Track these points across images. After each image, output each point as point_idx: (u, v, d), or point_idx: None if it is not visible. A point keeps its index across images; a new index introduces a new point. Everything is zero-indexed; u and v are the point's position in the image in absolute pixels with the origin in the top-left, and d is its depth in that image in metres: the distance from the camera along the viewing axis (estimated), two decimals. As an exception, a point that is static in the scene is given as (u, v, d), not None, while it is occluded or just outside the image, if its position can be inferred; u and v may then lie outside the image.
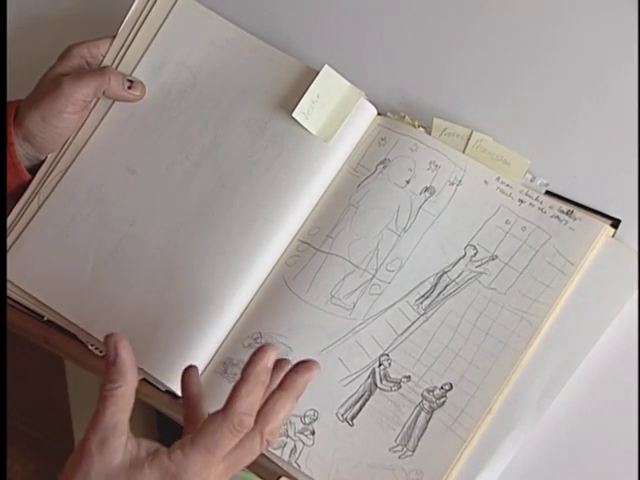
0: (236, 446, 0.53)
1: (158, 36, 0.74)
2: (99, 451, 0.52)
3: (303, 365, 0.57)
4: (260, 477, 0.69)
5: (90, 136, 0.73)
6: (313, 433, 0.65)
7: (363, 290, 0.67)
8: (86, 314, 0.70)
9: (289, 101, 0.70)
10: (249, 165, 0.71)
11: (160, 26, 0.74)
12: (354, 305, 0.67)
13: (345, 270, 0.68)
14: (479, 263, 0.66)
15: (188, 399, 0.59)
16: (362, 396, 0.65)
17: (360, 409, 0.65)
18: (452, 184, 0.68)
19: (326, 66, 0.69)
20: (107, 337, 0.54)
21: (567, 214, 0.66)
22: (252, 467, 0.68)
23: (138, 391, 0.68)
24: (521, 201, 0.67)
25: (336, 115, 0.70)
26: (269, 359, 0.54)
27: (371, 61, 0.75)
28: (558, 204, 0.67)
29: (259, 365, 0.54)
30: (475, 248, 0.67)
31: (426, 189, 0.68)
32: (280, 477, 0.65)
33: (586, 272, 0.64)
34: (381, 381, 0.65)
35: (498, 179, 0.68)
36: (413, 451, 0.63)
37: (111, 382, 0.53)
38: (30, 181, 0.74)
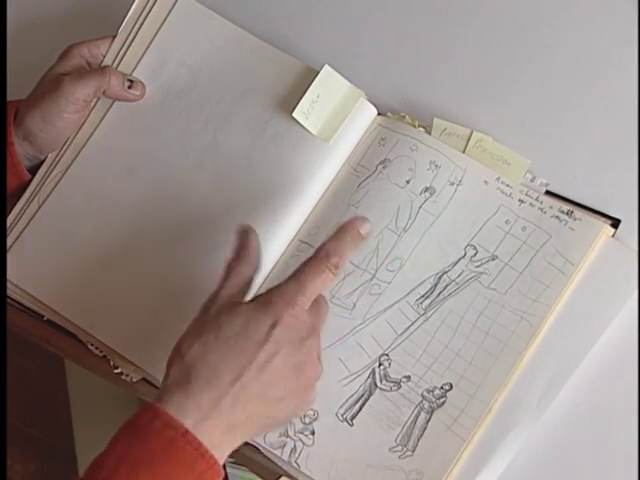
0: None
1: (158, 36, 0.74)
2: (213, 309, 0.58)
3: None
4: (260, 477, 0.69)
5: (90, 136, 0.74)
6: (313, 433, 0.65)
7: (363, 290, 0.67)
8: (86, 314, 0.70)
9: (289, 101, 0.70)
10: (249, 165, 0.71)
11: (160, 26, 0.74)
12: (354, 305, 0.67)
13: (345, 270, 0.68)
14: (479, 263, 0.66)
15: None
16: (362, 396, 0.65)
17: (360, 409, 0.65)
18: (452, 184, 0.68)
19: (326, 66, 0.69)
20: (240, 226, 0.62)
21: (567, 214, 0.66)
22: (252, 467, 0.68)
23: (138, 390, 0.69)
24: (521, 201, 0.67)
25: (336, 115, 0.70)
26: (365, 226, 0.59)
27: (371, 61, 0.75)
28: (558, 204, 0.67)
29: (352, 221, 0.59)
30: (475, 248, 0.67)
31: (426, 189, 0.68)
32: (280, 477, 0.65)
33: (586, 272, 0.64)
34: (381, 381, 0.65)
35: (498, 179, 0.68)
36: (413, 451, 0.63)
37: (237, 260, 0.60)
38: (30, 181, 0.74)
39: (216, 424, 0.53)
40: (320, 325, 0.58)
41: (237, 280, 0.59)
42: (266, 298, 0.57)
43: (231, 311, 0.56)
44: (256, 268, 0.61)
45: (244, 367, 0.54)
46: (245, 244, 0.61)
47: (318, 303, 0.59)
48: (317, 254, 0.58)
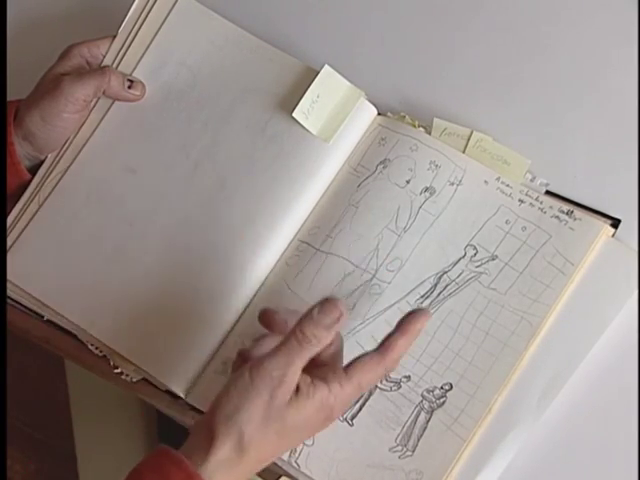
0: None
1: (158, 36, 0.74)
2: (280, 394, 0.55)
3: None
4: (260, 477, 0.69)
5: (90, 136, 0.74)
6: (313, 433, 0.65)
7: (363, 290, 0.67)
8: (86, 314, 0.70)
9: (289, 101, 0.70)
10: (249, 165, 0.71)
11: (160, 26, 0.74)
12: (354, 305, 0.67)
13: (345, 270, 0.68)
14: (479, 263, 0.66)
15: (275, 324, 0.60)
16: (362, 396, 0.65)
17: (360, 409, 0.65)
18: (452, 184, 0.68)
19: (326, 66, 0.69)
20: (331, 302, 0.55)
21: (567, 214, 0.66)
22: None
23: (138, 390, 0.69)
24: (521, 201, 0.67)
25: (336, 115, 0.70)
26: (425, 320, 0.57)
27: (371, 61, 0.75)
28: (558, 204, 0.67)
29: (419, 324, 0.57)
30: (475, 248, 0.67)
31: (426, 189, 0.68)
32: (280, 477, 0.65)
33: (586, 272, 0.64)
34: (381, 381, 0.65)
35: (498, 179, 0.68)
36: (413, 451, 0.63)
37: (317, 340, 0.55)
38: (30, 181, 0.74)
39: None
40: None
41: (307, 359, 0.56)
42: (330, 402, 0.56)
43: (299, 407, 0.55)
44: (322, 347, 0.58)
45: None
46: (332, 323, 0.56)
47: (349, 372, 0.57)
48: (386, 358, 0.56)
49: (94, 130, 0.73)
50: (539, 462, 0.63)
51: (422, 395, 0.64)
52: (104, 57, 0.74)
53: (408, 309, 0.66)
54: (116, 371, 0.70)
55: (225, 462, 0.54)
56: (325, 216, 0.70)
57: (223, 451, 0.54)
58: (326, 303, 0.55)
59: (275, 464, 0.65)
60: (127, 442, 0.90)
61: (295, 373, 0.55)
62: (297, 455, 0.65)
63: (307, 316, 0.55)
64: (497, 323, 0.64)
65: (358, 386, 0.56)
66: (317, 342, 0.55)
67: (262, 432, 0.54)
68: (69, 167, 0.73)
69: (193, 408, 0.67)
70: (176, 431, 0.69)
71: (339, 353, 0.60)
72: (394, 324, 0.65)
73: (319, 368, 0.57)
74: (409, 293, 0.66)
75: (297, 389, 0.55)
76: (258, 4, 0.79)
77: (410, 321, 0.57)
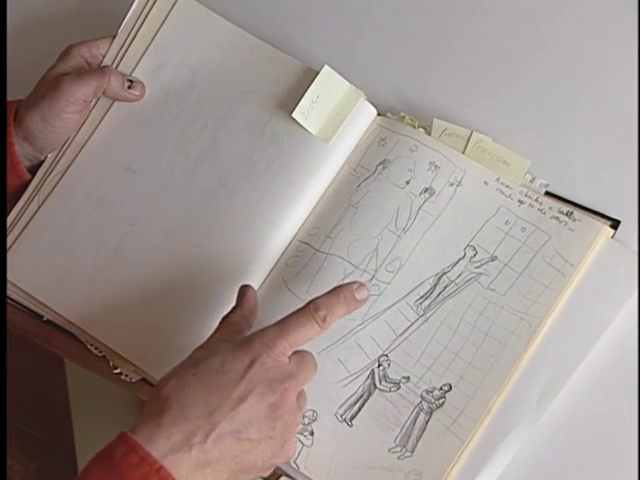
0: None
1: (158, 36, 0.74)
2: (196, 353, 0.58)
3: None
4: (260, 476, 0.69)
5: (90, 136, 0.74)
6: (312, 434, 0.65)
7: (363, 291, 0.67)
8: (86, 314, 0.70)
9: (289, 101, 0.70)
10: (249, 165, 0.71)
11: (160, 26, 0.74)
12: (353, 305, 0.67)
13: (345, 270, 0.68)
14: (479, 264, 0.66)
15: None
16: (361, 397, 0.65)
17: (359, 410, 0.65)
18: (452, 185, 0.68)
19: (326, 66, 0.69)
20: (240, 286, 0.64)
21: (567, 215, 0.66)
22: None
23: (137, 390, 0.69)
24: (521, 202, 0.67)
25: (336, 115, 0.70)
26: (362, 292, 0.61)
27: (371, 61, 0.75)
28: (558, 205, 0.66)
29: (348, 285, 0.60)
30: (475, 249, 0.67)
31: (426, 190, 0.68)
32: (280, 477, 0.65)
33: (585, 273, 0.64)
34: (380, 382, 0.65)
35: (498, 180, 0.68)
36: (412, 452, 0.63)
37: (230, 312, 0.62)
38: (30, 181, 0.74)
39: (186, 458, 0.52)
40: (303, 375, 0.58)
41: (226, 329, 0.60)
42: (247, 338, 0.57)
43: (211, 349, 0.57)
44: (249, 322, 0.61)
45: (217, 403, 0.54)
46: (241, 300, 0.63)
47: (303, 355, 0.59)
48: (307, 305, 0.59)
49: (94, 130, 0.74)
50: (538, 463, 0.64)
51: (421, 396, 0.64)
52: (104, 57, 0.74)
53: (408, 310, 0.66)
54: (115, 371, 0.70)
55: (152, 419, 0.53)
56: (325, 217, 0.70)
57: (147, 407, 0.55)
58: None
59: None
60: (127, 442, 0.90)
61: (214, 339, 0.59)
62: (296, 455, 0.65)
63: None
64: (496, 324, 0.64)
65: (280, 325, 0.57)
66: (229, 314, 0.61)
67: (176, 378, 0.55)
68: (69, 167, 0.73)
69: (192, 408, 0.67)
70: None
71: None
72: (394, 325, 0.66)
73: None
74: (408, 294, 0.66)
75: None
76: (258, 4, 0.79)
77: (341, 284, 0.60)
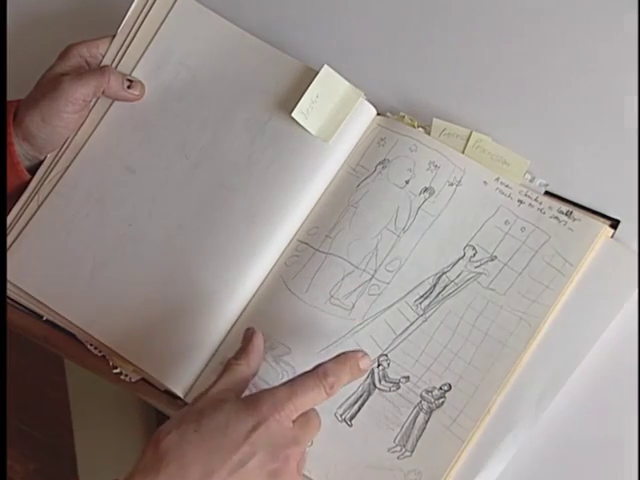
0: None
1: (157, 36, 0.74)
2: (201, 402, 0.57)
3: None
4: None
5: (89, 136, 0.74)
6: (312, 433, 0.65)
7: (362, 290, 0.67)
8: (85, 314, 0.70)
9: (288, 101, 0.70)
10: (248, 165, 0.71)
11: (160, 26, 0.74)
12: (353, 305, 0.67)
13: (344, 270, 0.68)
14: (478, 264, 0.66)
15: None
16: (361, 396, 0.65)
17: (359, 409, 0.65)
18: (451, 184, 0.68)
19: (325, 66, 0.69)
20: (247, 329, 0.63)
21: (566, 215, 0.66)
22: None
23: (137, 390, 0.69)
24: (520, 202, 0.67)
25: (335, 115, 0.70)
26: (365, 362, 0.59)
27: (371, 61, 0.75)
28: (557, 205, 0.66)
29: (355, 352, 0.59)
30: (474, 249, 0.67)
31: (425, 189, 0.68)
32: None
33: (585, 273, 0.64)
34: (380, 381, 0.65)
35: (497, 179, 0.68)
36: (412, 451, 0.63)
37: (235, 359, 0.60)
38: (30, 181, 0.74)
39: None
40: (306, 439, 0.57)
41: (231, 378, 0.59)
42: (254, 398, 0.56)
43: (216, 406, 0.55)
44: (254, 370, 0.60)
45: (217, 465, 0.52)
46: (248, 345, 0.61)
47: (308, 417, 0.57)
48: (316, 369, 0.58)
49: (93, 130, 0.74)
50: (538, 463, 0.63)
51: (421, 396, 0.64)
52: (103, 57, 0.74)
53: (407, 309, 0.66)
54: (115, 371, 0.70)
55: (148, 474, 0.52)
56: (324, 216, 0.70)
57: (144, 459, 0.53)
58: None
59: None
60: (127, 442, 0.90)
61: (219, 387, 0.57)
62: (296, 455, 0.65)
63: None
64: (496, 324, 0.64)
65: (288, 388, 0.56)
66: (236, 361, 0.60)
67: (178, 433, 0.53)
68: (68, 167, 0.73)
69: (192, 408, 0.67)
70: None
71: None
72: (393, 325, 0.66)
73: None
74: (408, 293, 0.66)
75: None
76: (257, 4, 0.79)
77: (347, 352, 0.59)
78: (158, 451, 0.53)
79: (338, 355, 0.59)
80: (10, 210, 0.73)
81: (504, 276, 0.65)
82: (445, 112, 0.71)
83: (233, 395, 0.57)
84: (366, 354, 0.59)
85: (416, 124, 0.71)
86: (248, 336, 0.62)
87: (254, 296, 0.69)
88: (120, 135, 0.73)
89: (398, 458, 0.63)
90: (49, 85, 0.71)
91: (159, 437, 0.54)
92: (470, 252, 0.67)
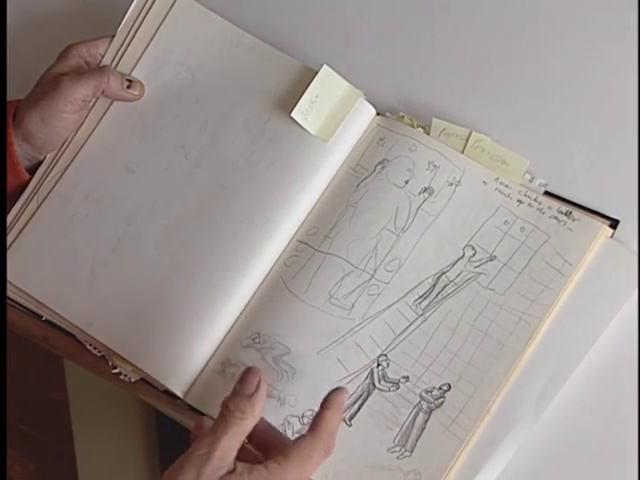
0: None
1: (157, 36, 0.74)
2: (209, 470, 0.54)
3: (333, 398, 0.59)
4: None
5: (89, 136, 0.74)
6: (311, 433, 0.65)
7: (362, 290, 0.67)
8: (84, 314, 0.70)
9: (288, 101, 0.70)
10: (248, 165, 0.71)
11: (159, 26, 0.74)
12: (352, 305, 0.67)
13: (344, 270, 0.68)
14: (478, 264, 0.66)
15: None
16: (360, 396, 0.65)
17: (358, 409, 0.65)
18: (451, 184, 0.68)
19: (325, 66, 0.69)
20: (250, 369, 0.57)
21: (566, 214, 0.66)
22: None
23: (136, 390, 0.69)
24: (520, 201, 0.67)
25: (335, 115, 0.70)
26: (345, 395, 0.59)
27: (370, 61, 0.75)
28: (557, 204, 0.66)
29: (340, 396, 0.58)
30: (474, 248, 0.67)
31: (425, 189, 0.68)
32: (279, 477, 0.65)
33: (585, 273, 0.64)
34: (379, 381, 0.65)
35: (497, 179, 0.68)
36: (411, 451, 0.63)
37: (240, 412, 0.55)
38: (29, 181, 0.73)
39: None
40: None
41: (237, 436, 0.55)
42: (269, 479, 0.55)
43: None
44: (257, 420, 0.58)
45: None
46: (254, 396, 0.57)
47: None
48: (319, 435, 0.57)
49: (93, 130, 0.73)
50: (537, 462, 0.63)
51: (420, 396, 0.64)
52: (103, 57, 0.74)
53: (407, 309, 0.66)
54: (114, 371, 0.70)
55: None
56: (324, 216, 0.69)
57: None
58: (244, 372, 0.57)
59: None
60: (126, 442, 0.90)
61: (224, 450, 0.54)
62: (295, 455, 0.65)
63: (232, 391, 0.56)
64: (495, 323, 0.64)
65: (299, 464, 0.55)
66: (241, 414, 0.55)
67: None
68: (68, 167, 0.73)
69: (192, 408, 0.67)
70: (175, 431, 0.69)
71: (276, 439, 0.60)
72: (393, 325, 0.66)
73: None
74: (408, 293, 0.66)
75: (233, 470, 0.54)
76: (257, 4, 0.79)
77: (330, 395, 0.58)
78: None
79: (327, 403, 0.58)
80: (10, 210, 0.73)
81: (503, 276, 0.65)
82: (444, 112, 0.71)
83: (235, 456, 0.55)
84: (344, 391, 0.59)
85: (415, 124, 0.71)
86: (254, 383, 0.57)
87: (254, 296, 0.69)
88: (120, 135, 0.73)
89: (398, 458, 0.63)
90: (48, 85, 0.71)
91: None
92: (469, 252, 0.67)
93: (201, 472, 0.53)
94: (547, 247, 0.65)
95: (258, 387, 0.57)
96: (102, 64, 0.74)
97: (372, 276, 0.67)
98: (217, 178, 0.71)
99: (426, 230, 0.67)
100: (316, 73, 0.69)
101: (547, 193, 0.68)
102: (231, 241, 0.69)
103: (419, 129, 0.70)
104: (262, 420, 0.59)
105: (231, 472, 0.54)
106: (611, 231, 0.66)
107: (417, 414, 0.64)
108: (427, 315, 0.66)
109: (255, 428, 0.57)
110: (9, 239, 0.73)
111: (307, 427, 0.64)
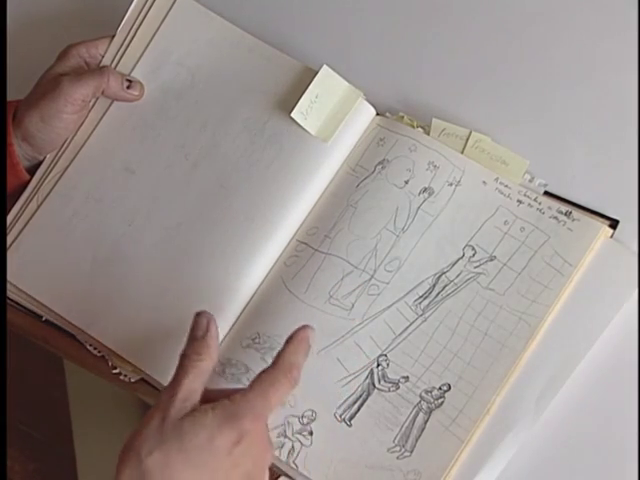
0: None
1: (157, 36, 0.74)
2: (173, 411, 0.55)
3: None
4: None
5: (89, 136, 0.74)
6: (311, 433, 0.65)
7: (361, 290, 0.67)
8: (84, 314, 0.70)
9: (288, 101, 0.70)
10: (248, 165, 0.71)
11: (159, 26, 0.74)
12: (352, 305, 0.67)
13: (343, 270, 0.68)
14: (477, 264, 0.66)
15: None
16: (360, 396, 0.65)
17: (358, 409, 0.65)
18: (451, 185, 0.68)
19: (325, 66, 0.69)
20: (199, 314, 0.59)
21: (565, 215, 0.66)
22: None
23: (136, 390, 0.69)
24: (520, 202, 0.67)
25: (335, 115, 0.70)
26: (309, 330, 0.59)
27: (370, 61, 0.75)
28: (556, 205, 0.66)
29: (303, 331, 0.59)
30: (474, 249, 0.67)
31: (425, 190, 0.68)
32: (279, 477, 0.65)
33: (584, 273, 0.64)
34: (379, 381, 0.65)
35: (497, 180, 0.68)
36: (411, 452, 0.63)
37: (196, 354, 0.57)
38: (29, 181, 0.74)
39: None
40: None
41: (198, 378, 0.57)
42: (233, 410, 0.55)
43: (195, 420, 0.54)
44: (215, 361, 0.58)
45: None
46: (207, 336, 0.58)
47: None
48: (279, 364, 0.57)
49: (93, 130, 0.73)
50: (537, 463, 0.63)
51: (420, 396, 0.64)
52: (103, 57, 0.74)
53: (407, 309, 0.66)
54: (114, 371, 0.70)
55: None
56: (324, 216, 0.70)
57: (127, 478, 0.53)
58: (194, 317, 0.58)
59: (273, 464, 0.65)
60: (126, 442, 0.90)
61: (187, 392, 0.55)
62: (295, 455, 0.65)
63: (186, 341, 0.58)
64: (495, 324, 0.64)
65: (262, 393, 0.56)
66: (198, 356, 0.56)
67: (161, 453, 0.53)
68: (68, 167, 0.73)
69: (191, 408, 0.67)
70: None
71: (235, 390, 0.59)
72: (393, 325, 0.66)
73: None
74: (407, 293, 0.66)
75: (198, 408, 0.55)
76: (257, 4, 0.79)
77: (295, 331, 0.59)
78: (141, 469, 0.53)
79: (291, 339, 0.58)
80: (10, 210, 0.73)
81: (503, 276, 0.65)
82: (444, 112, 0.71)
83: (201, 391, 0.57)
84: (312, 329, 0.59)
85: (415, 124, 0.71)
86: (203, 324, 0.58)
87: (253, 296, 0.69)
88: (119, 135, 0.73)
89: (397, 458, 0.63)
90: (48, 85, 0.71)
91: (140, 453, 0.53)
92: (469, 252, 0.67)
93: (166, 415, 0.54)
94: (547, 247, 0.65)
95: (208, 327, 0.58)
96: (102, 64, 0.74)
97: (372, 276, 0.67)
98: (217, 178, 0.71)
99: (426, 230, 0.67)
100: (316, 73, 0.69)
101: (547, 193, 0.68)
102: (231, 241, 0.69)
103: (419, 129, 0.70)
104: (218, 389, 0.60)
105: (195, 410, 0.55)
106: (611, 231, 0.66)
107: (417, 414, 0.64)
108: (427, 315, 0.66)
109: (212, 393, 0.58)
110: (9, 239, 0.73)
111: (307, 427, 0.65)
